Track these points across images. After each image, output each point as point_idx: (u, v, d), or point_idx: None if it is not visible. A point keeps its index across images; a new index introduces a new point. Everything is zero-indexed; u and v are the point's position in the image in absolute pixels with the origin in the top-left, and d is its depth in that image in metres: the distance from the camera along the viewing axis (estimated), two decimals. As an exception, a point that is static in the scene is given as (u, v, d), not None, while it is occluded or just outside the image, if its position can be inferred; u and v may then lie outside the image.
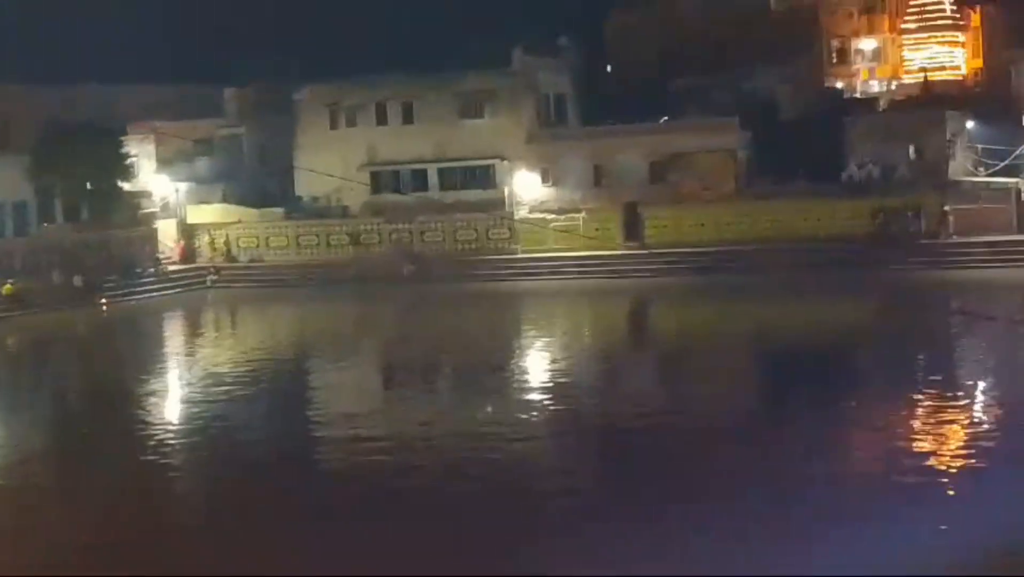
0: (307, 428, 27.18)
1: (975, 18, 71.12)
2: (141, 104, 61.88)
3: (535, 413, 27.18)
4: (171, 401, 31.77)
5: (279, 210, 60.22)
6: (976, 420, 24.55)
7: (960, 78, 70.59)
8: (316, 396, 32.34)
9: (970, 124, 57.19)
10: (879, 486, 19.42)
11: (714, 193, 53.67)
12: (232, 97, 65.44)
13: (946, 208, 50.23)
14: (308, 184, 60.78)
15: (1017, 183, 51.50)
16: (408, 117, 60.49)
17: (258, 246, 59.34)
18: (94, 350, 43.16)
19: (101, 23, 73.33)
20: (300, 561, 16.85)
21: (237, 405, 29.80)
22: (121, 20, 74.26)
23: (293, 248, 59.03)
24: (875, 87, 72.25)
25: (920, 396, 26.40)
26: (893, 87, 71.47)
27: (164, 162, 61.75)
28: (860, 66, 72.94)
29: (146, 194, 60.48)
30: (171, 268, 57.95)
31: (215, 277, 57.02)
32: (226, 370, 35.45)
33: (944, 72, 70.28)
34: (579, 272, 52.31)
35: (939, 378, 28.81)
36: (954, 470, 20.44)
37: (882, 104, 67.14)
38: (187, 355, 41.09)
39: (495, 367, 33.37)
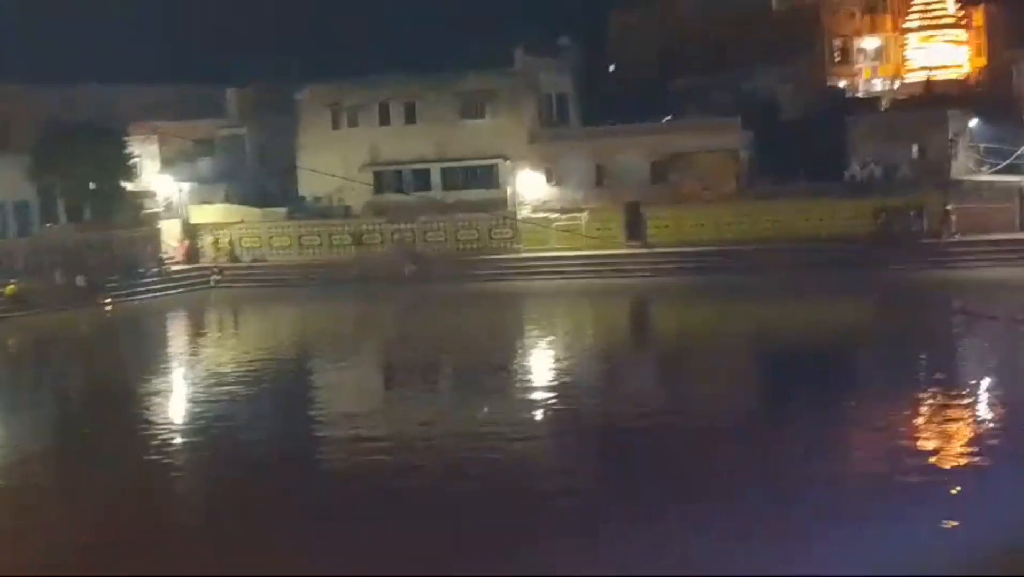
0: (308, 428, 27.20)
1: (978, 17, 71.03)
2: (141, 104, 61.89)
3: (536, 413, 27.20)
4: (173, 401, 31.81)
5: (281, 210, 60.27)
6: (977, 420, 24.54)
7: (962, 77, 70.52)
8: (317, 396, 32.36)
9: (972, 123, 57.14)
10: (880, 485, 19.41)
11: (715, 193, 53.65)
12: (233, 97, 65.48)
13: (948, 207, 50.18)
14: (310, 184, 60.84)
15: (1020, 182, 51.45)
16: (410, 117, 60.52)
17: (261, 246, 59.40)
18: (97, 350, 43.19)
19: (101, 23, 73.36)
20: (300, 561, 16.87)
21: (239, 405, 29.83)
22: (121, 20, 74.30)
23: (296, 248, 59.08)
24: (877, 86, 72.18)
25: (921, 396, 26.39)
26: (895, 86, 71.41)
27: (166, 162, 61.80)
28: (862, 65, 72.91)
29: (149, 194, 60.51)
30: (174, 268, 58.01)
31: (218, 277, 57.06)
32: (228, 370, 35.47)
33: (946, 71, 70.23)
34: (581, 272, 52.31)
35: (940, 378, 28.81)
36: (955, 469, 20.42)
37: (884, 103, 67.07)
38: (189, 355, 41.13)
39: (496, 367, 33.39)
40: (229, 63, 68.26)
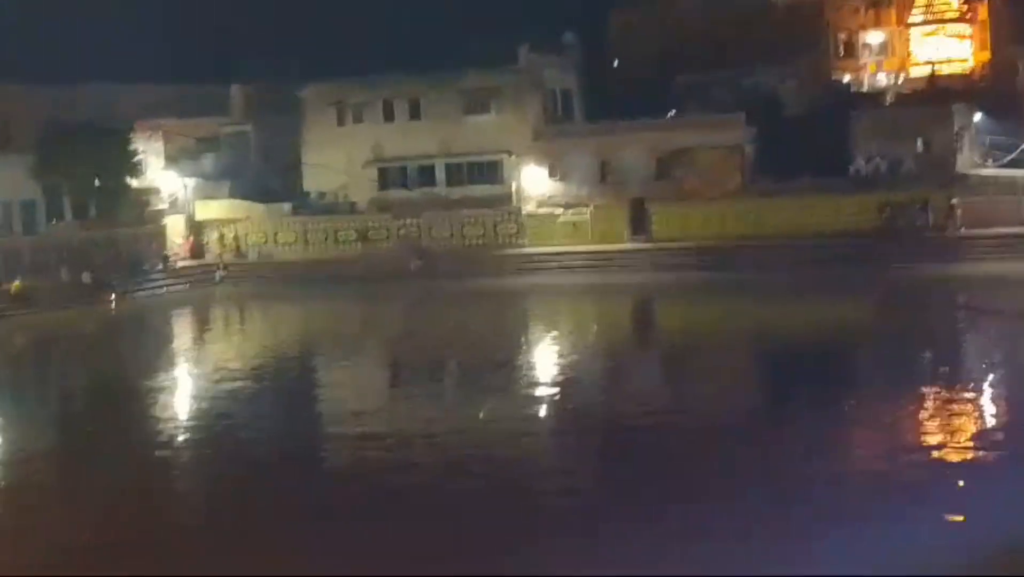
0: (311, 426, 27.25)
1: (982, 11, 70.91)
2: (142, 103, 61.98)
3: (539, 411, 27.19)
4: (175, 399, 31.87)
5: (286, 206, 60.36)
6: (982, 417, 24.51)
7: (967, 71, 70.41)
8: (321, 394, 32.42)
9: (977, 117, 57.09)
10: (882, 484, 19.37)
11: (719, 189, 53.65)
12: (237, 94, 65.55)
13: (953, 202, 50.12)
14: (315, 181, 60.98)
15: (1024, 176, 51.41)
16: (415, 114, 60.59)
17: (266, 242, 59.50)
18: (102, 347, 43.25)
19: (102, 23, 73.40)
20: (301, 560, 16.89)
21: (242, 403, 29.89)
22: (122, 20, 74.32)
23: (301, 244, 59.18)
24: (882, 81, 72.09)
25: (925, 393, 26.33)
26: (900, 81, 71.31)
27: (171, 159, 61.89)
28: (867, 60, 72.82)
29: (153, 191, 60.61)
30: (179, 265, 58.12)
31: (223, 273, 57.15)
32: (232, 367, 35.52)
33: (951, 65, 70.10)
34: (585, 267, 52.39)
35: (945, 374, 28.71)
36: (959, 466, 20.41)
37: (889, 98, 67.00)
38: (193, 352, 41.23)
39: (500, 364, 33.38)
40: (230, 62, 68.29)
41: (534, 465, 22.36)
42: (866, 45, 72.98)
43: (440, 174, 60.04)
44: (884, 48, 72.87)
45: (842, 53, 72.85)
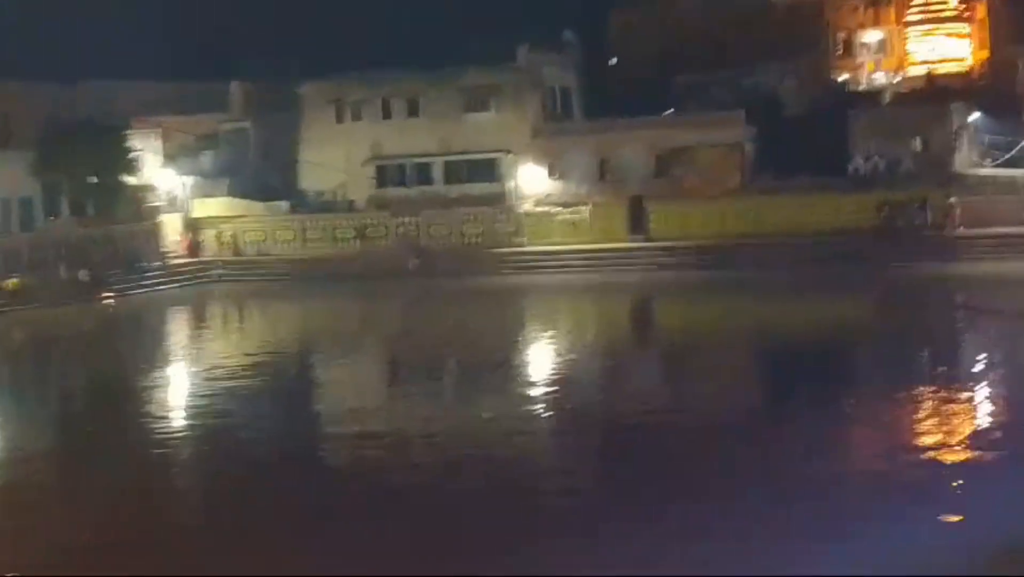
0: (309, 425, 27.20)
1: (981, 10, 70.90)
2: (142, 101, 61.98)
3: (538, 410, 27.16)
4: (173, 397, 31.82)
5: (284, 204, 60.34)
6: (980, 416, 24.50)
7: (965, 70, 70.40)
8: (319, 392, 32.36)
9: (976, 116, 57.09)
10: (880, 483, 19.35)
11: (718, 187, 53.65)
12: (237, 91, 65.50)
13: (952, 201, 50.13)
14: (313, 178, 60.95)
15: (1022, 175, 51.40)
16: (413, 111, 60.58)
17: (264, 240, 59.44)
18: (98, 345, 43.18)
19: (102, 21, 73.40)
20: (299, 560, 16.85)
21: (239, 401, 29.83)
22: (122, 17, 74.33)
23: (299, 242, 59.13)
24: (880, 80, 72.07)
25: (924, 393, 26.32)
26: (898, 80, 71.30)
27: (169, 157, 61.85)
28: (865, 59, 72.80)
29: (151, 188, 60.54)
30: (177, 262, 58.05)
31: (221, 271, 57.09)
32: (230, 365, 35.43)
33: (949, 65, 70.10)
34: (583, 266, 52.38)
35: (944, 374, 28.74)
36: (957, 465, 20.39)
37: (887, 97, 67.00)
38: (191, 350, 41.15)
39: (499, 363, 33.34)
40: (231, 59, 68.29)
41: (533, 464, 22.31)
42: (864, 44, 72.95)
43: (438, 172, 60.04)
44: (882, 47, 72.84)
45: (840, 52, 72.82)
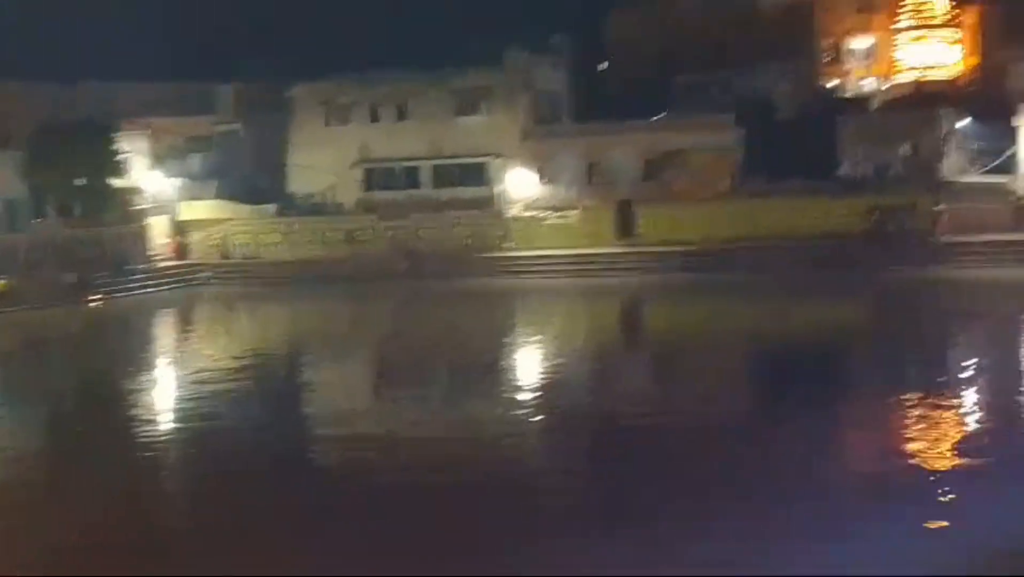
0: (298, 427, 27.09)
1: (970, 16, 71.12)
2: (141, 101, 61.98)
3: (530, 412, 27.10)
4: (160, 399, 31.66)
5: (271, 207, 60.23)
6: (970, 419, 24.51)
7: (954, 76, 70.61)
8: (307, 395, 32.22)
9: (964, 123, 57.25)
10: (870, 486, 19.34)
11: (708, 191, 53.70)
12: (228, 94, 65.42)
13: (940, 207, 50.26)
14: (302, 181, 60.86)
15: (1011, 182, 51.59)
16: (402, 114, 60.60)
17: (252, 243, 59.30)
18: (85, 347, 43.00)
19: (98, 22, 73.40)
20: (294, 562, 16.77)
21: (227, 404, 29.66)
22: (121, 18, 74.37)
23: (287, 245, 59.01)
24: (869, 86, 72.26)
25: (912, 396, 26.29)
26: (887, 86, 71.49)
27: (157, 159, 61.72)
28: (854, 65, 72.99)
29: (139, 191, 60.41)
30: (164, 265, 57.91)
31: (208, 274, 56.94)
32: (217, 368, 35.33)
33: (938, 71, 70.30)
34: (572, 270, 52.37)
35: (931, 378, 28.72)
36: (948, 469, 20.39)
37: (876, 103, 67.20)
38: (179, 352, 41.00)
39: (489, 365, 33.27)
40: (224, 61, 68.37)
41: (525, 465, 22.27)
42: (853, 50, 73.11)
43: (427, 175, 60.04)
44: (871, 53, 73.02)
45: (830, 58, 72.96)
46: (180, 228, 59.82)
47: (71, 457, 24.52)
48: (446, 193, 58.67)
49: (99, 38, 71.36)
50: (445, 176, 59.53)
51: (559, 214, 55.33)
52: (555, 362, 34.46)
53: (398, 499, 19.58)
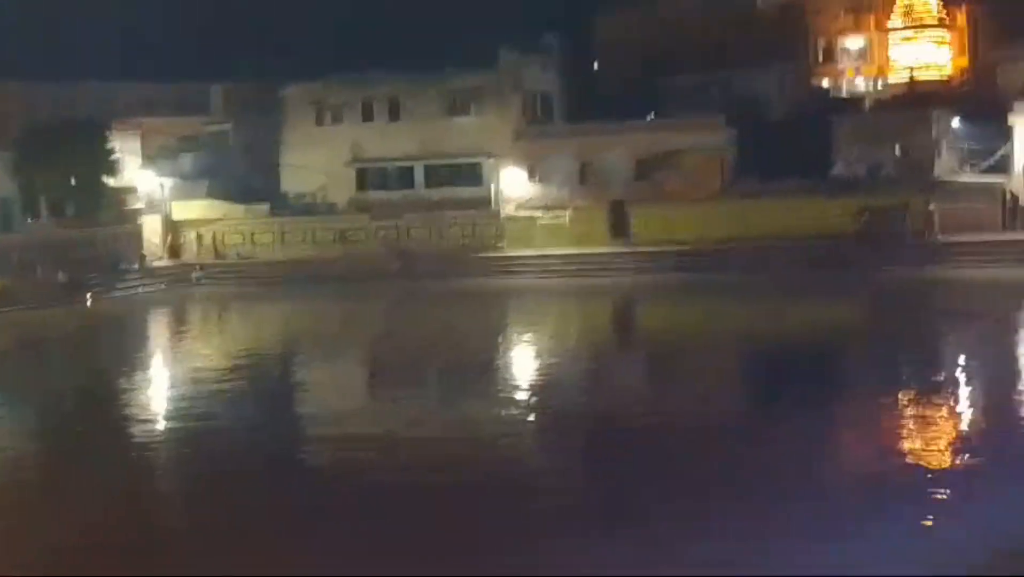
0: (292, 427, 27.09)
1: (961, 17, 71.26)
2: (139, 101, 61.96)
3: (526, 412, 27.11)
4: (152, 399, 31.59)
5: (264, 206, 60.15)
6: (964, 419, 24.58)
7: (946, 77, 70.74)
8: (300, 395, 32.19)
9: (956, 123, 57.37)
10: (861, 486, 19.36)
11: (700, 191, 53.72)
12: (218, 94, 65.38)
13: (932, 207, 50.32)
14: (294, 181, 60.82)
15: (1003, 182, 51.71)
16: (395, 114, 60.58)
17: (244, 243, 59.21)
18: (78, 347, 42.92)
19: (100, 21, 73.35)
20: (291, 562, 16.76)
21: (220, 404, 29.62)
22: (119, 19, 74.33)
23: (279, 245, 58.92)
24: (861, 86, 72.36)
25: (906, 396, 26.35)
26: (879, 86, 71.59)
27: (149, 158, 61.65)
28: (846, 65, 73.06)
29: (131, 190, 60.30)
30: (157, 264, 57.81)
31: (200, 274, 56.86)
32: (210, 368, 35.30)
33: (930, 71, 70.43)
34: (565, 270, 52.34)
35: (924, 378, 28.75)
36: (943, 469, 20.45)
37: (868, 103, 67.29)
38: (172, 353, 40.93)
39: (484, 365, 33.26)
40: (215, 62, 68.32)
41: (523, 465, 22.27)
42: (846, 50, 73.19)
43: (420, 175, 60.03)
44: (863, 53, 73.11)
45: (822, 59, 73.04)
46: (173, 228, 59.71)
47: (66, 457, 24.47)
48: (439, 193, 58.65)
49: (94, 38, 71.37)
50: (438, 176, 59.52)
51: (552, 214, 55.33)
52: (550, 362, 34.45)
53: (396, 499, 19.58)
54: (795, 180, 52.58)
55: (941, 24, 71.20)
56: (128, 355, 39.30)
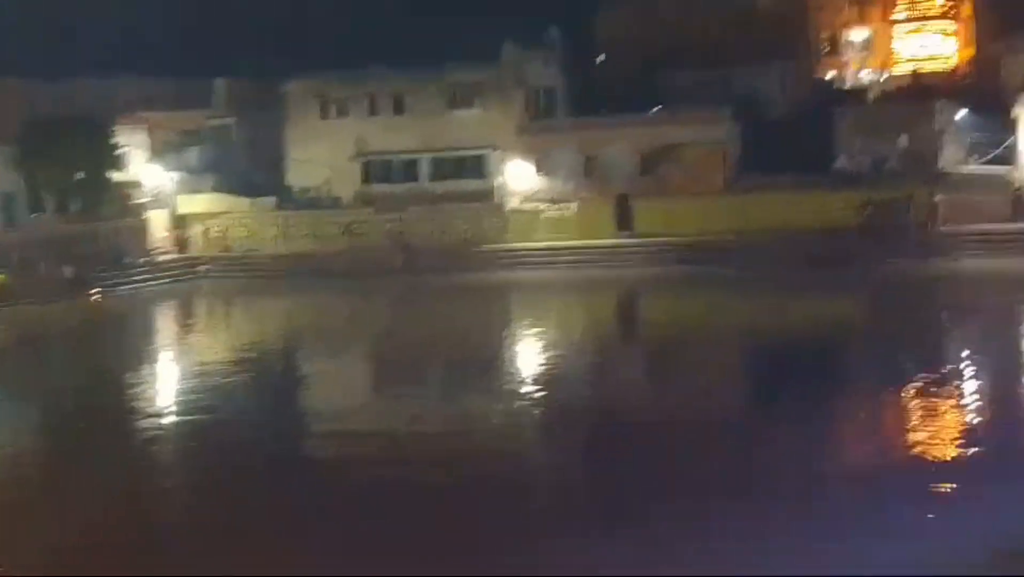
0: (295, 424, 27.19)
1: (965, 8, 71.13)
2: (138, 96, 61.90)
3: (529, 408, 27.17)
4: (157, 393, 31.70)
5: (270, 200, 60.18)
6: (969, 413, 24.57)
7: (950, 68, 70.63)
8: (304, 392, 32.28)
9: (960, 114, 57.27)
10: (866, 482, 19.40)
11: (704, 185, 53.67)
12: (222, 88, 65.38)
13: (936, 199, 50.26)
14: (299, 175, 60.85)
15: (1008, 173, 51.63)
16: (399, 108, 60.52)
17: (250, 236, 59.24)
18: (84, 342, 43.03)
19: (100, 17, 73.32)
20: (291, 561, 16.83)
21: (225, 400, 29.73)
22: (120, 14, 74.28)
23: (285, 238, 58.94)
24: (866, 78, 72.25)
25: (912, 390, 26.32)
26: (883, 78, 71.48)
27: (154, 152, 61.68)
28: (851, 57, 72.98)
29: (136, 184, 60.33)
30: (162, 259, 57.88)
31: (207, 267, 56.92)
32: (216, 362, 35.41)
33: (934, 63, 70.31)
34: (570, 262, 52.38)
35: (931, 370, 28.67)
36: (948, 463, 20.47)
37: (872, 95, 67.17)
38: (176, 348, 41.04)
39: (487, 361, 33.31)
40: (218, 56, 68.26)
41: (525, 462, 22.34)
42: (850, 42, 73.09)
43: (424, 168, 59.97)
44: (868, 45, 73.00)
45: (826, 51, 72.94)
46: (179, 222, 59.76)
47: (71, 455, 24.56)
48: (443, 186, 58.61)
49: (93, 35, 71.34)
50: (443, 170, 59.48)
51: (557, 207, 55.35)
52: (553, 356, 34.44)
53: (397, 497, 19.64)
54: (799, 174, 52.47)
55: (945, 15, 71.07)
56: (135, 350, 39.40)
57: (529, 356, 34.85)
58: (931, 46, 70.73)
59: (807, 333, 35.83)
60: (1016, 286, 41.79)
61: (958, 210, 49.72)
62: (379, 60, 61.36)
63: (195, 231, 59.56)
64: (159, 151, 61.80)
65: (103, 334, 44.90)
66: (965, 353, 31.50)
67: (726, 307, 41.92)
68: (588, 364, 33.39)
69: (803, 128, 54.71)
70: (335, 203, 60.03)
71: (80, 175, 56.12)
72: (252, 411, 28.41)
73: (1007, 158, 52.92)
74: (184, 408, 28.98)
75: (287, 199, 60.62)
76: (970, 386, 27.27)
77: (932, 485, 19.00)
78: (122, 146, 59.14)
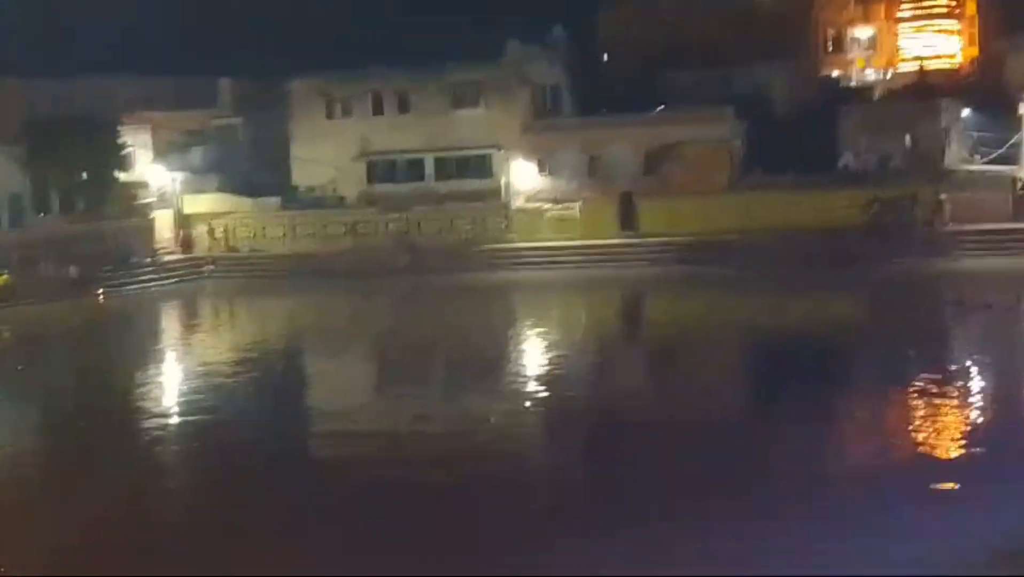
0: (298, 424, 27.19)
1: (970, 6, 70.97)
2: (139, 96, 61.91)
3: (532, 408, 27.18)
4: (162, 393, 31.75)
5: (274, 200, 60.19)
6: (974, 411, 24.57)
7: (955, 67, 70.47)
8: (306, 392, 32.33)
9: (965, 113, 57.19)
10: (871, 480, 19.40)
11: (708, 184, 53.59)
12: (226, 88, 65.43)
13: (941, 197, 50.18)
14: (304, 174, 60.86)
15: (1012, 171, 51.56)
16: (404, 107, 60.46)
17: (254, 236, 59.24)
18: (89, 342, 43.10)
19: (100, 17, 73.37)
20: (291, 561, 16.86)
21: (228, 400, 29.79)
22: (120, 14, 74.31)
23: (289, 238, 58.96)
24: (871, 76, 72.06)
25: (918, 387, 26.28)
26: (888, 76, 71.31)
27: (159, 152, 61.72)
28: (855, 55, 72.78)
29: (142, 184, 60.39)
30: (168, 258, 57.93)
31: (212, 267, 56.99)
32: (220, 362, 35.46)
33: (939, 61, 70.16)
34: (574, 261, 52.33)
35: (937, 368, 28.64)
36: (952, 461, 20.47)
37: (877, 93, 67.02)
38: (179, 348, 41.07)
39: (490, 360, 33.32)
40: (222, 56, 68.28)
41: (525, 462, 22.35)
42: (854, 40, 72.91)
43: (429, 168, 59.95)
44: (872, 43, 72.83)
45: (831, 48, 72.78)
46: (184, 222, 59.81)
47: (72, 455, 24.60)
48: (448, 186, 58.59)
49: (94, 34, 71.36)
50: (447, 169, 59.46)
51: (561, 206, 55.30)
52: (556, 356, 34.46)
53: (397, 497, 19.66)
54: (803, 172, 52.38)
55: (950, 14, 70.93)
56: (138, 349, 39.48)
57: (531, 356, 34.87)
58: (937, 44, 70.55)
59: (810, 333, 35.79)
60: (1022, 284, 41.75)
61: (963, 208, 49.63)
62: (380, 60, 61.33)
63: (200, 231, 59.58)
64: (163, 151, 61.82)
65: (107, 334, 44.97)
66: (968, 352, 31.46)
67: (730, 307, 41.89)
68: (589, 364, 33.42)
69: (807, 126, 54.59)
70: (339, 203, 60.04)
71: (84, 175, 56.16)
72: (254, 411, 28.46)
73: (1012, 157, 52.84)
74: (186, 408, 29.03)
75: (291, 199, 60.63)
76: (973, 386, 27.24)
77: (932, 485, 18.98)
78: (127, 146, 59.18)
